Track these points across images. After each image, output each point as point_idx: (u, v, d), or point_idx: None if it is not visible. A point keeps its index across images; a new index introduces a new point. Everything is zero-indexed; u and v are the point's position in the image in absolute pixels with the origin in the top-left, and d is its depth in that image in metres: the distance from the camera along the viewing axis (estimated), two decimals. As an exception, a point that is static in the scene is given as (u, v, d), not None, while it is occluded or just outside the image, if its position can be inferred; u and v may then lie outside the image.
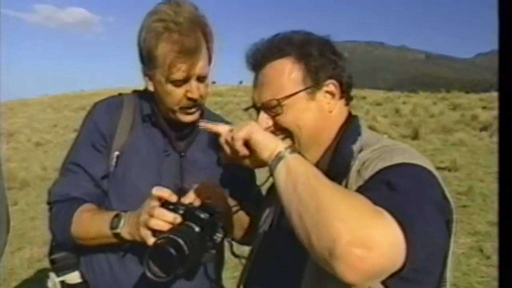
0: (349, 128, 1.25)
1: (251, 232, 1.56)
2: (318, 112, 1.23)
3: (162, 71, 1.46)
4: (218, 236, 1.27)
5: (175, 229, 1.22)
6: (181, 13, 1.44)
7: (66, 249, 1.63)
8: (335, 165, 1.18)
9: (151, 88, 1.55)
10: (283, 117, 1.23)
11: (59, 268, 1.63)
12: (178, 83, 1.48)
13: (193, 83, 1.49)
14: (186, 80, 1.48)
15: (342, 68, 1.26)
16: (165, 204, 1.30)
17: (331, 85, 1.24)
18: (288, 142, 1.20)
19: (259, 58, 1.28)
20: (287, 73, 1.23)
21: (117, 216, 1.41)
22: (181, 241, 1.14)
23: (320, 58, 1.22)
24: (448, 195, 1.05)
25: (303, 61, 1.22)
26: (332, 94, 1.24)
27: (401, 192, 0.94)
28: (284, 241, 1.17)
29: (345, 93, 1.28)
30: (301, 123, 1.23)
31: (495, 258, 4.34)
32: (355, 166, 1.10)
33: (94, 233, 1.46)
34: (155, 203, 1.30)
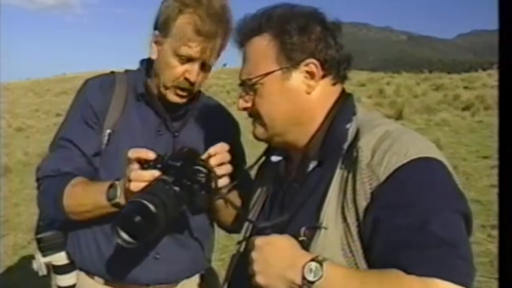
0: (343, 108, 1.19)
1: (240, 218, 1.52)
2: (294, 94, 1.17)
3: (173, 42, 1.47)
4: (201, 176, 1.24)
5: (148, 187, 1.22)
6: None
7: (53, 228, 1.63)
8: (327, 145, 1.14)
9: (154, 56, 1.55)
10: (257, 98, 1.19)
11: (45, 247, 1.63)
12: (182, 59, 1.48)
13: (196, 66, 1.49)
14: (190, 60, 1.48)
15: (328, 44, 1.17)
16: (144, 164, 1.29)
17: (311, 65, 1.15)
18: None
19: (242, 35, 1.24)
20: (262, 52, 1.18)
21: (112, 186, 1.40)
22: (149, 205, 1.14)
23: (299, 35, 1.14)
24: (459, 183, 1.04)
25: (279, 38, 1.15)
26: (311, 74, 1.16)
27: (425, 213, 0.95)
28: (275, 229, 1.14)
29: (330, 71, 1.18)
30: (272, 106, 1.18)
31: (478, 235, 4.43)
32: (362, 156, 1.04)
33: (90, 205, 1.45)
34: (135, 165, 1.29)
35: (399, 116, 12.34)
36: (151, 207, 1.14)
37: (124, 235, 1.15)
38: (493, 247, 4.23)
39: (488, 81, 17.76)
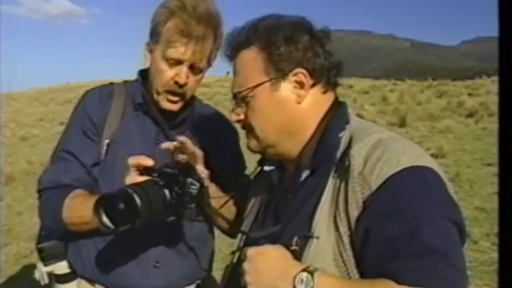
0: (335, 116, 1.19)
1: (238, 223, 1.53)
2: (283, 104, 1.17)
3: (161, 47, 1.49)
4: (193, 188, 1.27)
5: (139, 184, 1.25)
6: (203, 2, 1.49)
7: (54, 238, 1.65)
8: (320, 154, 1.14)
9: (147, 63, 1.58)
10: (248, 110, 1.20)
11: (46, 257, 1.65)
12: (171, 63, 1.49)
13: (184, 68, 1.50)
14: (179, 63, 1.49)
15: (316, 52, 1.17)
16: (143, 170, 1.32)
17: (299, 75, 1.16)
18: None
19: (231, 49, 1.25)
20: (250, 64, 1.19)
21: None
22: (135, 195, 1.16)
23: (286, 45, 1.15)
24: (452, 192, 1.04)
25: (266, 50, 1.16)
26: (300, 83, 1.17)
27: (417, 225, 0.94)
28: (268, 239, 1.15)
29: (319, 80, 1.19)
30: (264, 117, 1.19)
31: (482, 243, 4.39)
32: (355, 165, 1.03)
33: (88, 217, 1.42)
34: (133, 172, 1.32)
35: (402, 124, 12.31)
36: (137, 199, 1.16)
37: (105, 218, 1.18)
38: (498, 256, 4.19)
39: (492, 87, 17.72)
